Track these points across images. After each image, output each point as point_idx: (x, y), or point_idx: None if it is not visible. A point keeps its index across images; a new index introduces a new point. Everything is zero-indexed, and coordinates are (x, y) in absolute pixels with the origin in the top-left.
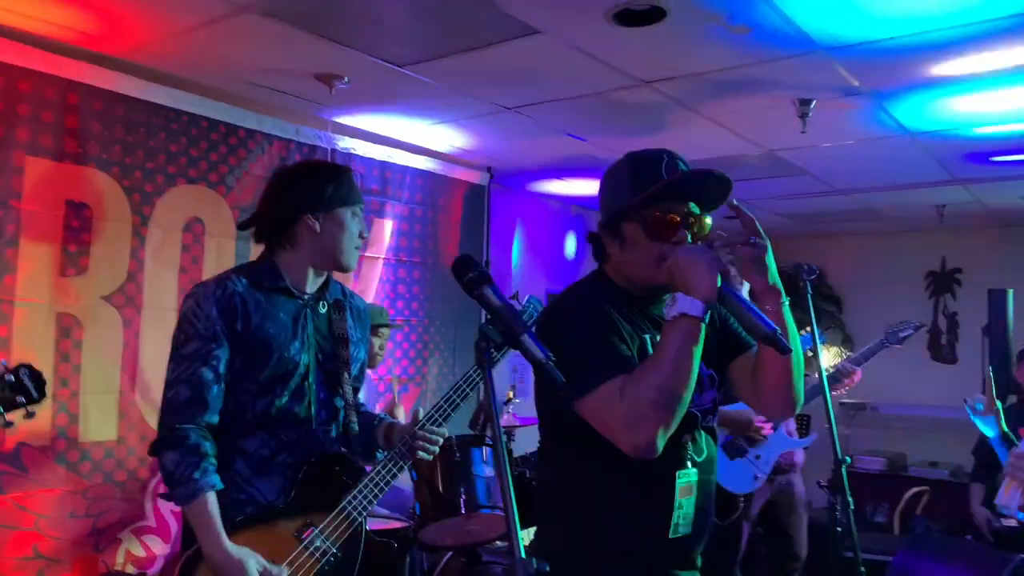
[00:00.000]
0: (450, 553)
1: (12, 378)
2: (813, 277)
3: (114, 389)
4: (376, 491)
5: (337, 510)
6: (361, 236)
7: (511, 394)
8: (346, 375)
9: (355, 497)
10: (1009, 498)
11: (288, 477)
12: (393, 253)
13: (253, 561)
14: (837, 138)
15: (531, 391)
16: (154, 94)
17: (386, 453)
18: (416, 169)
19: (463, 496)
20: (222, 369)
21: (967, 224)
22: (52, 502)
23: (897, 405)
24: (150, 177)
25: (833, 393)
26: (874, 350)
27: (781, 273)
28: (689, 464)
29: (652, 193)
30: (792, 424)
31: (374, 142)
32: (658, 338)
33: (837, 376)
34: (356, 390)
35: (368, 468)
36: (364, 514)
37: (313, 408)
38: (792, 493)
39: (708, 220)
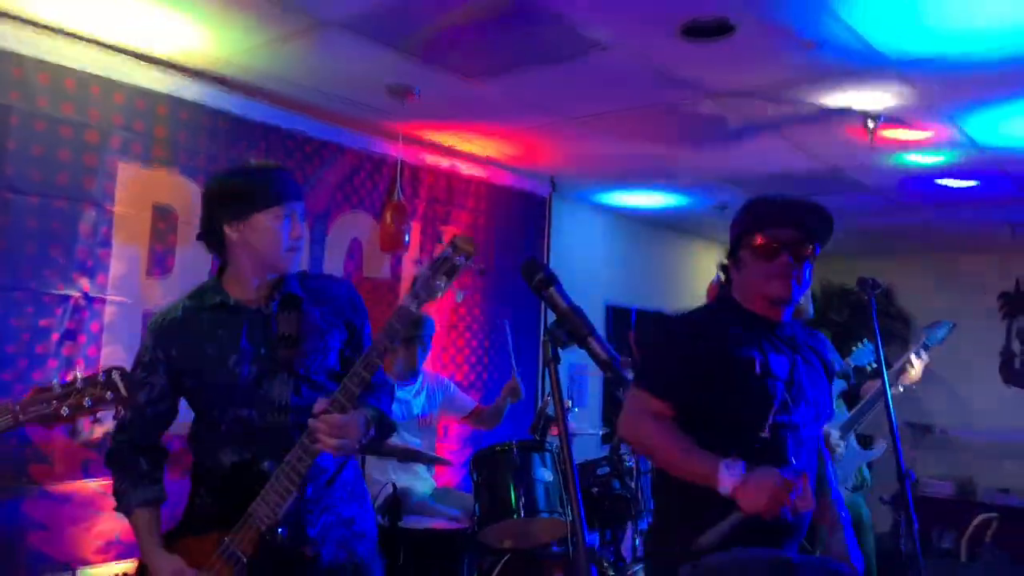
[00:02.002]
0: (508, 555)
1: (104, 377)
2: (877, 291)
3: None
4: (278, 496)
5: (243, 520)
6: (295, 236)
7: (569, 403)
8: (287, 374)
9: (258, 504)
10: None
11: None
12: None
13: (167, 568)
14: (906, 154)
15: (588, 400)
16: (236, 105)
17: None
18: (480, 179)
19: (522, 499)
20: (156, 395)
21: None
22: None
23: (966, 428)
24: None
25: (896, 389)
26: (920, 352)
27: (845, 292)
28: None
29: (757, 222)
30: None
31: (441, 152)
32: (770, 359)
33: (902, 368)
34: (318, 382)
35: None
36: (268, 520)
37: (274, 415)
38: (860, 514)
39: (807, 247)
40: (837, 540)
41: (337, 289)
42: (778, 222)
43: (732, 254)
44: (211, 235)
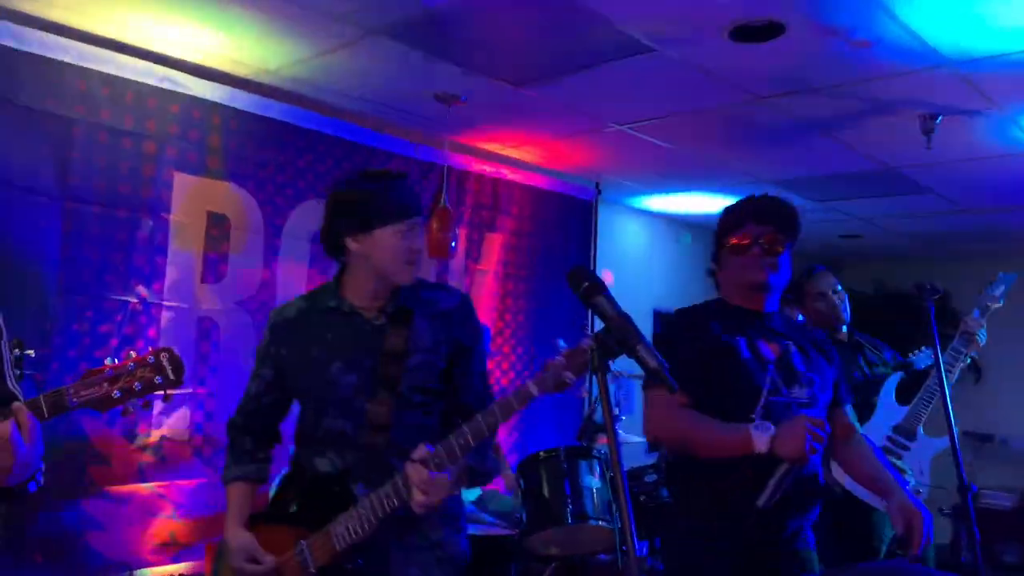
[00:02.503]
0: (555, 563)
1: (153, 360)
2: (936, 296)
3: (243, 388)
4: (359, 526)
5: (323, 531)
6: (414, 250)
7: (615, 410)
8: (388, 392)
9: (340, 524)
10: None
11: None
12: (503, 266)
13: (238, 545)
14: (965, 155)
15: (636, 408)
16: (286, 114)
17: (379, 489)
18: (526, 184)
19: (569, 507)
20: (264, 388)
21: None
22: (189, 492)
23: None
24: (282, 191)
25: (966, 360)
26: (979, 315)
27: (902, 294)
28: None
29: (728, 220)
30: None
31: (487, 158)
32: (758, 345)
33: (967, 337)
34: (422, 404)
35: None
36: (344, 544)
37: (372, 435)
38: None
39: (778, 241)
40: (895, 498)
41: (450, 302)
42: (747, 221)
43: (715, 259)
44: (332, 243)
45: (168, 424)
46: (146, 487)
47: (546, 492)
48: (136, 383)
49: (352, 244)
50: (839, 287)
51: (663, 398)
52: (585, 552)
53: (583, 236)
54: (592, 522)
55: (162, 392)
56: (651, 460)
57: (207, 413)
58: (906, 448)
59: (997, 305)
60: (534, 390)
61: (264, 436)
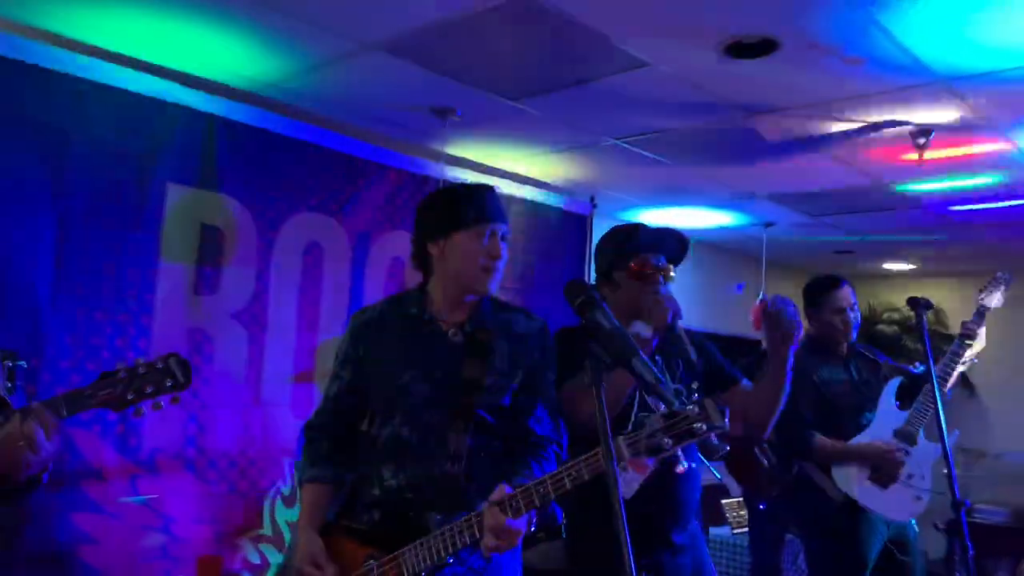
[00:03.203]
0: None
1: (162, 364)
2: (929, 310)
3: (238, 402)
4: (430, 556)
5: (392, 555)
6: (493, 257)
7: None
8: (465, 421)
9: (411, 550)
10: None
11: (384, 507)
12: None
13: (307, 548)
14: (957, 171)
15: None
16: (281, 126)
17: (454, 523)
18: (522, 198)
19: (562, 521)
20: (344, 389)
21: None
22: (181, 506)
23: (1022, 454)
24: (275, 204)
25: (965, 360)
26: (978, 318)
27: (893, 311)
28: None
29: (633, 244)
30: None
31: (482, 172)
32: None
33: (965, 338)
34: (488, 436)
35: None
36: (413, 572)
37: (433, 442)
38: (907, 533)
39: (671, 268)
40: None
41: (529, 326)
42: (650, 248)
43: (606, 276)
44: (417, 252)
45: (160, 437)
46: (140, 500)
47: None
48: (148, 386)
49: (432, 250)
50: (856, 305)
51: (569, 388)
52: (558, 568)
53: (579, 250)
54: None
55: (171, 394)
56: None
57: (200, 426)
58: (907, 453)
59: (997, 304)
60: (626, 452)
61: (343, 439)
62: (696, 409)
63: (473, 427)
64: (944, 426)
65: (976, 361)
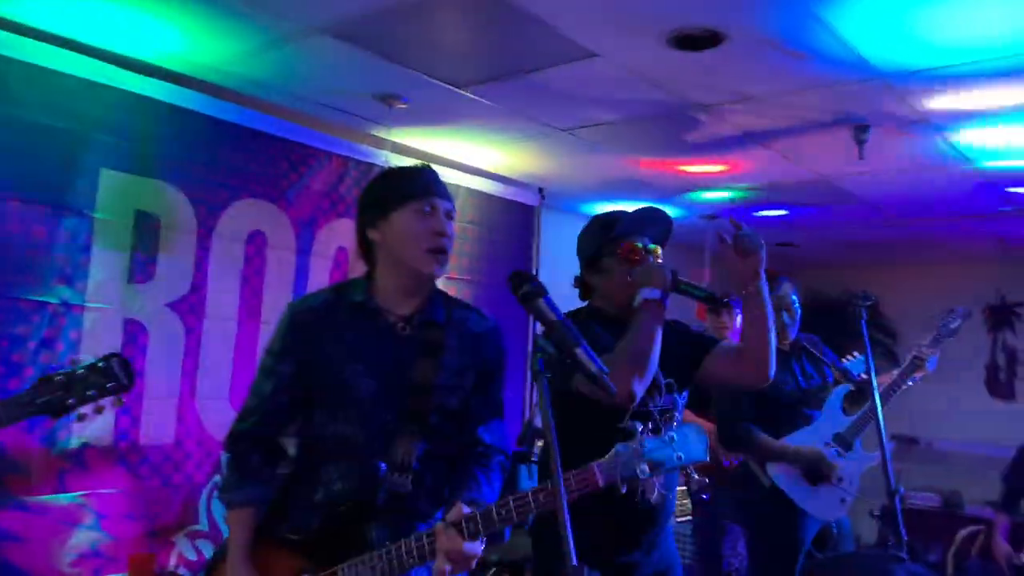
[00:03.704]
0: (494, 568)
1: (103, 365)
2: (868, 304)
3: (174, 395)
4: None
5: (330, 572)
6: (436, 233)
7: None
8: (416, 426)
9: (350, 568)
10: None
11: (324, 514)
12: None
13: None
14: (895, 166)
15: None
16: (221, 111)
17: (412, 537)
18: (469, 188)
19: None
20: (281, 386)
21: None
22: (112, 502)
23: (953, 441)
24: (215, 190)
25: (911, 382)
26: (933, 344)
27: (835, 301)
28: None
29: (619, 230)
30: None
31: (429, 160)
32: None
33: (914, 363)
34: (434, 441)
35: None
36: None
37: (381, 444)
38: (842, 523)
39: (658, 248)
40: None
41: (482, 326)
42: (636, 231)
43: (593, 265)
44: (361, 242)
45: (91, 430)
46: (66, 497)
47: None
48: (90, 389)
49: (374, 236)
50: (796, 302)
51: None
52: (525, 556)
53: (526, 241)
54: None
55: (113, 396)
56: None
57: (132, 418)
58: (841, 457)
59: (950, 339)
60: (599, 479)
61: (274, 447)
62: (673, 437)
63: (424, 432)
64: (884, 431)
65: (919, 380)
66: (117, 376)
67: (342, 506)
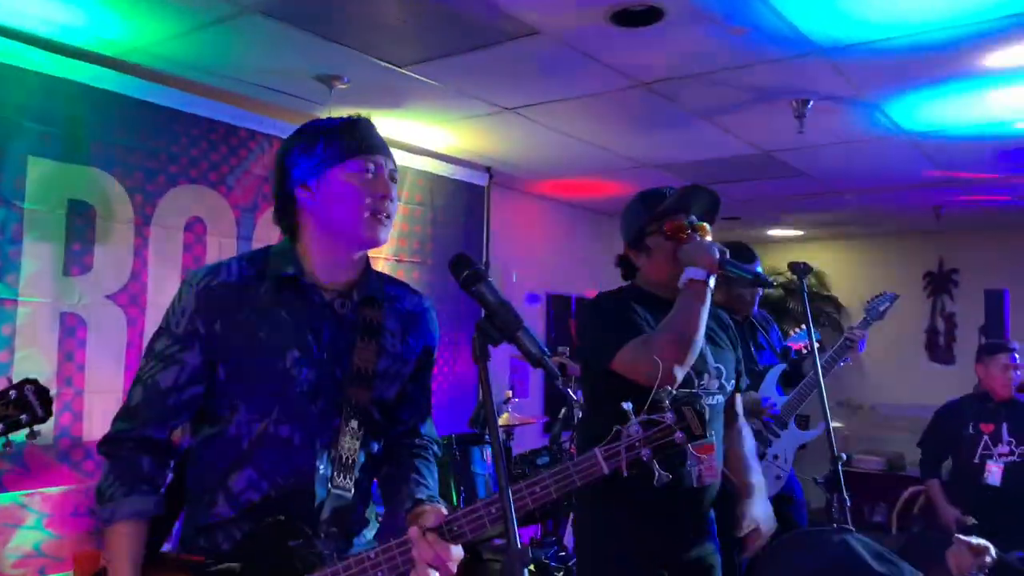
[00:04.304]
0: None
1: (15, 394)
2: (808, 275)
3: (118, 388)
4: None
5: None
6: (379, 196)
7: (509, 393)
8: (360, 419)
9: None
10: None
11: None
12: (393, 253)
13: None
14: (834, 139)
15: (530, 391)
16: (155, 95)
17: (373, 549)
18: (416, 170)
19: (462, 494)
20: (184, 378)
21: (963, 225)
22: (55, 500)
23: (895, 405)
24: (152, 177)
25: (842, 363)
26: (863, 325)
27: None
28: None
29: (665, 207)
30: (792, 421)
31: None
32: None
33: (845, 344)
34: (373, 435)
35: (331, 558)
36: None
37: (319, 445)
38: (792, 491)
39: (706, 225)
40: (755, 504)
41: (418, 304)
42: (682, 208)
43: (637, 244)
44: (282, 204)
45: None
46: (6, 497)
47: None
48: None
49: (302, 195)
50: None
51: (634, 345)
52: (479, 539)
53: (476, 221)
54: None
55: (27, 429)
56: (544, 442)
57: (75, 414)
58: (776, 436)
59: (880, 321)
60: (603, 464)
61: (163, 452)
62: (673, 416)
63: (366, 428)
64: (824, 394)
65: (849, 361)
66: (31, 406)
67: (270, 520)
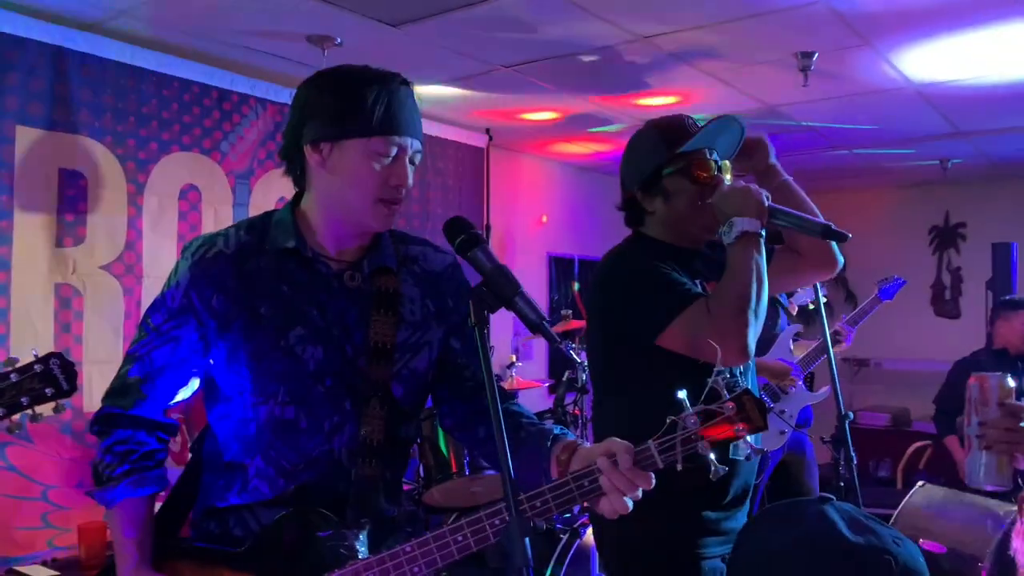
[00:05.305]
0: (454, 515)
1: (40, 368)
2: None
3: (117, 359)
4: None
5: None
6: (394, 184)
7: (513, 357)
8: (380, 400)
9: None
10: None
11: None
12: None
13: None
14: (840, 92)
15: (534, 354)
16: (144, 59)
17: (409, 542)
18: None
19: (466, 458)
20: (180, 355)
21: (971, 178)
22: (59, 472)
23: (901, 360)
24: (143, 145)
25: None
26: (866, 310)
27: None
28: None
29: (690, 146)
30: (801, 380)
31: None
32: (703, 285)
33: (833, 338)
34: (411, 412)
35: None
36: None
37: (330, 427)
38: (803, 451)
39: (728, 165)
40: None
41: (437, 262)
42: (711, 144)
43: (650, 185)
44: (292, 153)
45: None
46: (12, 470)
47: (442, 444)
48: (23, 396)
49: (312, 156)
50: None
51: (692, 312)
52: (483, 502)
53: (476, 183)
54: (488, 472)
55: (53, 403)
56: (547, 407)
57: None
58: (785, 393)
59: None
60: (659, 461)
61: (162, 428)
62: (733, 407)
63: (387, 408)
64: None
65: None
66: (56, 380)
67: (294, 509)
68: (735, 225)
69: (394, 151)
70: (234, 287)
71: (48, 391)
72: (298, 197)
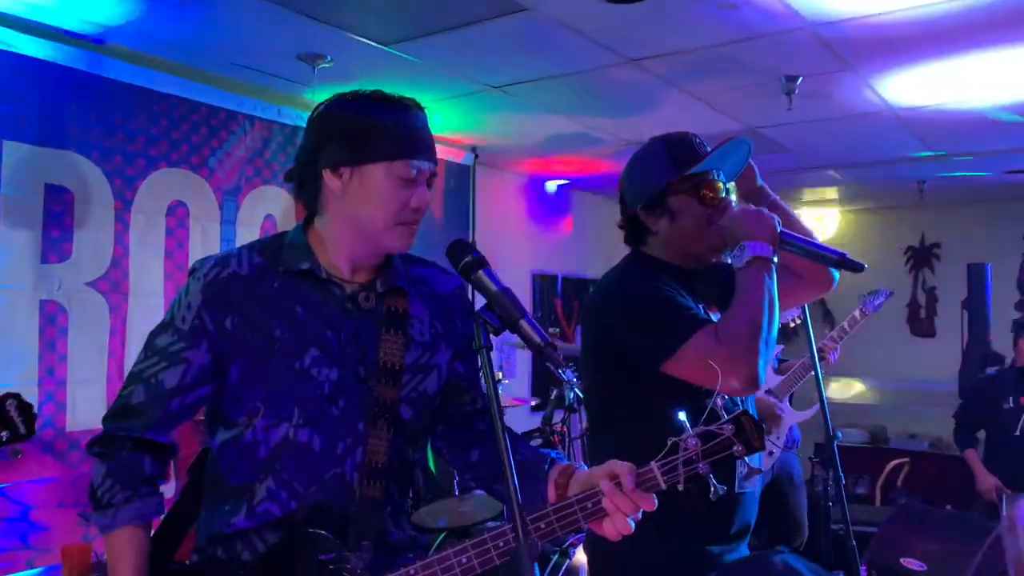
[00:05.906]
0: (443, 534)
1: None
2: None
3: (102, 377)
4: None
5: None
6: (413, 208)
7: (500, 375)
8: (387, 420)
9: None
10: None
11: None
12: None
13: None
14: (822, 115)
15: (518, 372)
16: (133, 75)
17: (413, 564)
18: None
19: (456, 478)
20: (191, 379)
21: (946, 200)
22: (40, 492)
23: (878, 378)
24: (131, 160)
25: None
26: (851, 325)
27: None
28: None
29: (700, 167)
30: (787, 401)
31: None
32: (705, 308)
33: (819, 354)
34: (416, 433)
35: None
36: None
37: (343, 449)
38: (792, 471)
39: (733, 186)
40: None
41: (445, 284)
42: (718, 165)
43: (654, 205)
44: (306, 177)
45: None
46: None
47: (432, 464)
48: None
49: (331, 180)
50: None
51: (699, 340)
52: (473, 522)
53: (462, 201)
54: (478, 492)
55: (9, 447)
56: (535, 425)
57: (58, 405)
58: (769, 433)
59: (874, 314)
60: (662, 482)
61: (163, 452)
62: (732, 428)
63: (398, 429)
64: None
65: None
66: (12, 423)
67: (300, 532)
68: (747, 249)
69: (414, 174)
70: (249, 309)
71: (4, 434)
72: (309, 219)
